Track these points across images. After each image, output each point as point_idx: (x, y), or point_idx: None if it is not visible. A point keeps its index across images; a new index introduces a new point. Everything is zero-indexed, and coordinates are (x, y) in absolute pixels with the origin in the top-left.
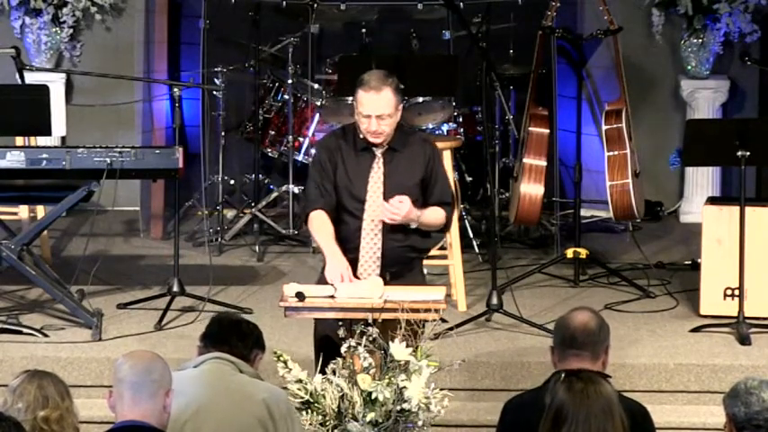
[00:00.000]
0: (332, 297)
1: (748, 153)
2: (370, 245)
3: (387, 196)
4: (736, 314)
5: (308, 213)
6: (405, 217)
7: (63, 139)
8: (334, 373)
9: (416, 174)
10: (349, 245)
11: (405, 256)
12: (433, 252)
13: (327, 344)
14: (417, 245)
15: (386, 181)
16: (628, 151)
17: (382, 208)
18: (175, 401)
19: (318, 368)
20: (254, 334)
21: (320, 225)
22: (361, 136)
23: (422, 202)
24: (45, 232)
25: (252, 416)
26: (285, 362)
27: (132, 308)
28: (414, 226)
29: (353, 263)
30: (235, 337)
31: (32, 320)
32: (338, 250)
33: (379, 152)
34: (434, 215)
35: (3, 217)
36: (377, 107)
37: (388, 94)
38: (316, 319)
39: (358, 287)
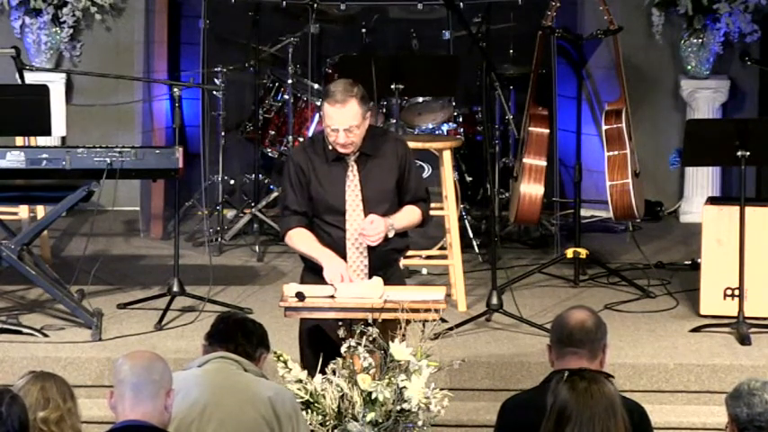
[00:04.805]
0: (332, 297)
1: (748, 153)
2: (356, 254)
3: (365, 204)
4: (736, 314)
5: (286, 233)
6: (384, 232)
7: (63, 139)
8: (334, 373)
9: (392, 177)
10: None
11: (389, 258)
12: (433, 252)
13: (315, 338)
14: (398, 246)
15: (363, 189)
16: (628, 151)
17: (362, 238)
18: (181, 401)
19: (302, 361)
20: (259, 333)
21: (302, 238)
22: (331, 147)
23: (398, 201)
24: (45, 232)
25: (257, 414)
26: (285, 362)
27: (132, 308)
28: (392, 235)
29: None
30: (240, 336)
31: (32, 320)
32: (332, 252)
33: (351, 160)
34: (409, 216)
35: (3, 217)
36: (343, 120)
37: (354, 105)
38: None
39: (358, 287)
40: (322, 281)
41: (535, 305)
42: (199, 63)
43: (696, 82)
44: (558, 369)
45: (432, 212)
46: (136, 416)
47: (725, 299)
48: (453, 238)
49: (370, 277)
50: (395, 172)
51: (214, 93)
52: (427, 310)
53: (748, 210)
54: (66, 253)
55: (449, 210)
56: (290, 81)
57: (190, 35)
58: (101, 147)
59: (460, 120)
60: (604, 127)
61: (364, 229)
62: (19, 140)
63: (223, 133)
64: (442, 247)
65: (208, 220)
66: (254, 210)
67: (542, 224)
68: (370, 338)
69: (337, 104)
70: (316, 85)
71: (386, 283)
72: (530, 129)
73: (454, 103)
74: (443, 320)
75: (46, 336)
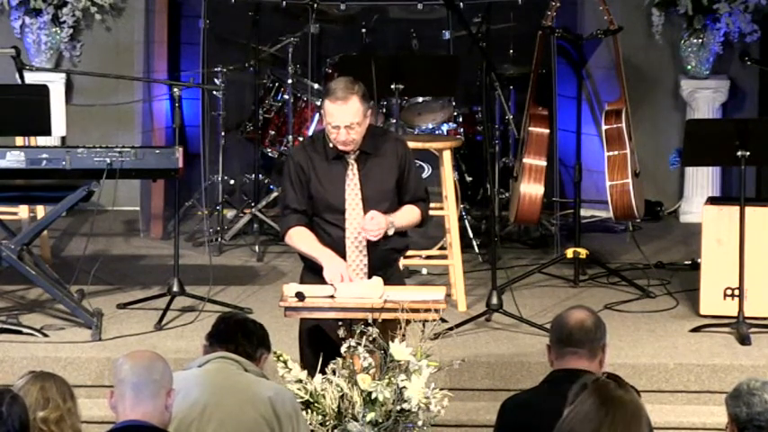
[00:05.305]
0: (332, 297)
1: (748, 153)
2: (356, 253)
3: (365, 203)
4: (736, 314)
5: (286, 232)
6: (384, 228)
7: (63, 139)
8: (334, 373)
9: (392, 176)
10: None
11: (389, 258)
12: (433, 252)
13: (315, 338)
14: (398, 245)
15: (362, 188)
16: (628, 151)
17: (363, 233)
18: (181, 401)
19: (302, 361)
20: (259, 333)
21: (302, 237)
22: (331, 145)
23: (397, 201)
24: (45, 232)
25: (257, 414)
26: (285, 362)
27: (132, 308)
28: (392, 233)
29: None
30: (240, 336)
31: (32, 320)
32: (332, 252)
33: (351, 159)
34: (409, 215)
35: (3, 217)
36: (345, 117)
37: (356, 103)
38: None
39: (358, 287)
40: (322, 281)
41: (535, 305)
42: (199, 63)
43: (696, 82)
44: (559, 369)
45: (432, 212)
46: (136, 416)
47: (725, 299)
48: (453, 238)
49: (369, 277)
50: (395, 171)
51: (214, 93)
52: (427, 310)
53: (748, 210)
54: (66, 253)
55: (449, 210)
56: (290, 81)
57: (190, 35)
58: (101, 147)
59: (460, 120)
60: (604, 127)
61: (365, 224)
62: (19, 140)
63: (223, 133)
64: (442, 247)
65: (208, 220)
66: (254, 210)
67: (542, 224)
68: (370, 338)
69: (338, 101)
70: (316, 85)
71: (386, 283)
72: (530, 129)
73: (454, 103)
74: (443, 320)
75: (46, 336)
